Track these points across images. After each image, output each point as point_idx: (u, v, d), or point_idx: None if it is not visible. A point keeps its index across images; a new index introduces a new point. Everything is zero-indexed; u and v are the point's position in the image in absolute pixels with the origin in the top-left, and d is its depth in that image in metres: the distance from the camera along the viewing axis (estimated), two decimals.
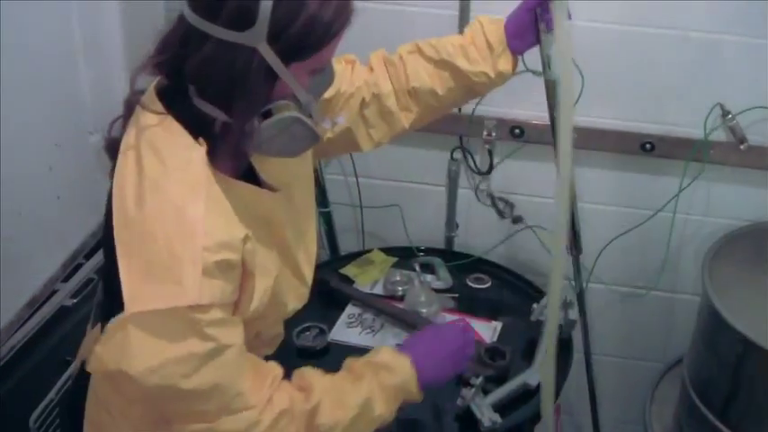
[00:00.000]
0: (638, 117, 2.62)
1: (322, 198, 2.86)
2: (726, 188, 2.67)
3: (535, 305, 2.45)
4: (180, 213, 1.42)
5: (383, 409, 1.73)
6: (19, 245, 2.15)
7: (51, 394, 2.15)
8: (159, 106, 1.52)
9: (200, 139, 1.48)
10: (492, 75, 1.97)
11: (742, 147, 2.54)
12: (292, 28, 1.42)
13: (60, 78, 2.26)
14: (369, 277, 2.70)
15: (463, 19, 2.58)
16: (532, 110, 2.66)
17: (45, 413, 2.20)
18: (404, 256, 2.83)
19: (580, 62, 2.53)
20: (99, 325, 1.73)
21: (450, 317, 2.51)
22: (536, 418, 2.21)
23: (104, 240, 1.59)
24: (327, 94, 1.81)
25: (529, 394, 2.23)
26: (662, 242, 2.74)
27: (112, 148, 1.55)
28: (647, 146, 2.61)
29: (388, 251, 2.84)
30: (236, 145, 1.51)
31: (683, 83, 2.55)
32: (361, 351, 2.32)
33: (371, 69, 2.02)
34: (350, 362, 1.80)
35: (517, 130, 2.68)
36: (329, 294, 2.59)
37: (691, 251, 2.77)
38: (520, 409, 2.21)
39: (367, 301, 2.56)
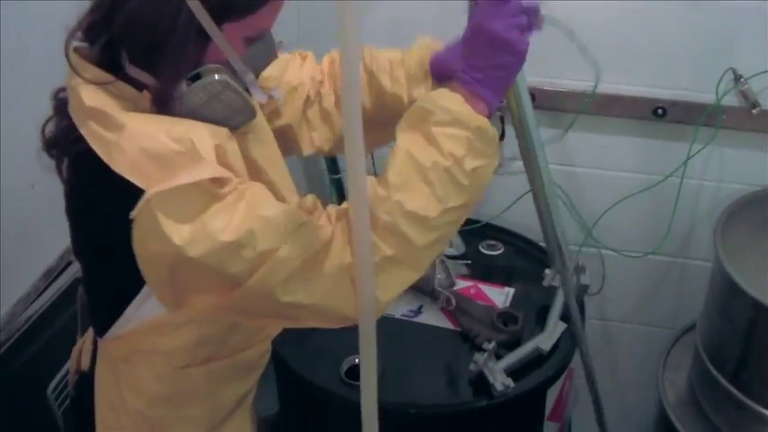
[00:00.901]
0: (651, 83, 2.61)
1: (333, 165, 2.86)
2: (738, 153, 2.66)
3: (547, 271, 2.46)
4: (161, 118, 1.41)
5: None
6: (34, 217, 2.17)
7: (68, 364, 2.18)
8: (103, 75, 1.45)
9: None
10: (405, 101, 1.85)
11: (754, 111, 2.53)
12: None
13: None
14: None
15: None
16: (544, 76, 2.66)
17: (62, 383, 2.22)
18: None
19: (594, 30, 2.54)
20: (91, 332, 1.74)
21: (463, 283, 2.52)
22: (548, 382, 2.24)
23: (78, 241, 1.58)
24: (270, 82, 1.78)
25: (541, 359, 2.26)
26: (674, 208, 2.74)
27: (52, 146, 1.51)
28: (659, 111, 2.61)
29: None
30: (165, 112, 1.43)
31: (694, 48, 2.54)
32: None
33: (322, 68, 1.94)
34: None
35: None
36: None
37: (704, 216, 2.76)
38: (532, 374, 2.23)
39: None
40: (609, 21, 2.55)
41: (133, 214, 1.31)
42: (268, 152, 1.65)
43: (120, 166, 1.34)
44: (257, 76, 1.54)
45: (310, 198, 1.48)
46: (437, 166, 1.42)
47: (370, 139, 1.47)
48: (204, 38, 1.40)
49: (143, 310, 1.53)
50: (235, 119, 1.48)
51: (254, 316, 1.48)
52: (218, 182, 1.34)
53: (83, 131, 1.41)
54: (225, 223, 1.32)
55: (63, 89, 1.52)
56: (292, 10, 2.70)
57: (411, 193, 1.41)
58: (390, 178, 1.43)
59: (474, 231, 2.79)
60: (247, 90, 1.49)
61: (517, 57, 1.54)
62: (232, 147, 1.42)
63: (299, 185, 2.98)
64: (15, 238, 2.15)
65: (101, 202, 1.43)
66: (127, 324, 1.56)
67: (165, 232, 1.30)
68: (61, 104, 1.52)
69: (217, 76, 1.42)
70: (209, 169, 1.33)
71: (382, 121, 1.81)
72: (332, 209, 1.47)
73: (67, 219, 1.57)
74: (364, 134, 1.33)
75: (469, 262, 2.63)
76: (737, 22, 2.47)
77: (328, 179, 2.89)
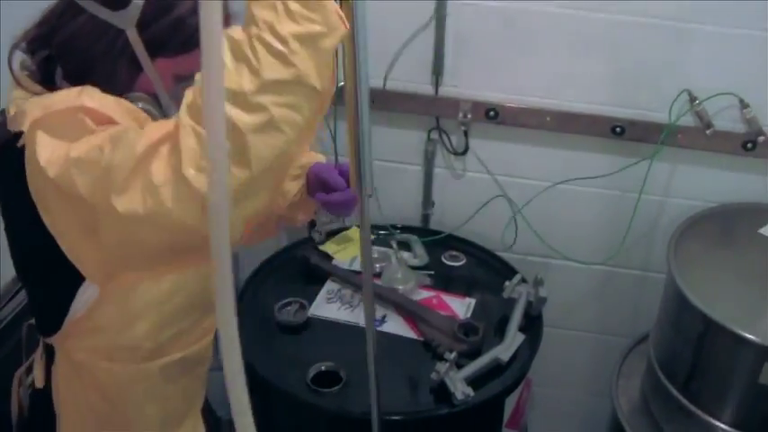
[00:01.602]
0: (609, 101, 2.70)
1: None
2: (693, 170, 2.76)
3: (507, 282, 2.55)
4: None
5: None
6: None
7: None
8: (37, 87, 1.53)
9: None
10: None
11: (708, 132, 2.63)
12: (161, 21, 1.48)
13: None
14: (347, 254, 2.78)
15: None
16: (507, 92, 2.74)
17: None
18: (380, 232, 2.91)
19: (554, 45, 2.63)
20: (41, 349, 1.78)
21: (426, 293, 2.60)
22: (507, 391, 2.31)
23: (15, 246, 1.63)
24: None
25: (500, 368, 2.33)
26: (630, 222, 2.83)
27: None
28: (618, 129, 2.69)
29: None
30: None
31: (652, 69, 2.63)
32: (340, 326, 2.42)
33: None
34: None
35: (492, 112, 2.75)
36: (309, 270, 2.67)
37: (660, 230, 2.86)
38: (491, 383, 2.30)
39: (346, 278, 2.64)
40: (568, 39, 2.64)
41: (21, 142, 1.41)
42: None
43: (30, 113, 1.42)
44: None
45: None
46: (250, 38, 1.25)
47: (252, 236, 1.62)
48: (136, 67, 1.51)
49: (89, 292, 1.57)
50: None
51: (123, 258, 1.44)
52: (97, 116, 1.40)
53: (10, 121, 1.48)
54: (82, 146, 1.35)
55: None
56: None
57: (226, 72, 1.23)
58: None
59: (437, 242, 2.87)
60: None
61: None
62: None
63: None
64: None
65: (23, 196, 1.47)
66: (79, 308, 1.59)
67: (37, 154, 1.37)
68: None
69: (140, 105, 1.51)
70: (87, 99, 1.41)
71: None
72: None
73: (5, 233, 1.63)
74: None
75: (432, 272, 2.70)
76: (694, 46, 2.56)
77: None
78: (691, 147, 2.69)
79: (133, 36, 1.47)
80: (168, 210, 1.25)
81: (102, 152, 1.31)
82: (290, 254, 2.81)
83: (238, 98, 1.22)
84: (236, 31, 1.26)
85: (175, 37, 1.50)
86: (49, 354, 1.73)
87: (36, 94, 1.52)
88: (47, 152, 1.37)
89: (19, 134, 1.44)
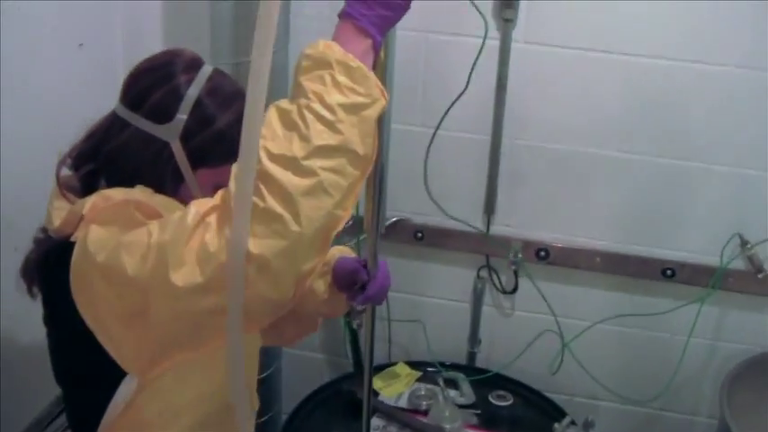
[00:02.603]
0: (660, 243, 2.71)
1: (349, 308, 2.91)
2: (744, 315, 2.74)
3: (557, 425, 2.51)
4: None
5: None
6: None
7: None
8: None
9: None
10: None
11: (760, 276, 2.62)
12: (204, 134, 1.54)
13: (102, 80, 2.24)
14: (394, 390, 2.75)
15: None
16: (558, 232, 2.76)
17: None
18: (428, 369, 2.89)
19: (605, 186, 2.65)
20: None
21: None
22: None
23: (56, 354, 1.64)
24: None
25: None
26: (678, 364, 2.79)
27: (28, 272, 1.63)
28: (668, 272, 2.69)
29: (412, 365, 2.90)
30: None
31: (704, 211, 2.65)
32: None
33: None
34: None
35: (542, 252, 2.76)
36: (355, 405, 2.64)
37: (707, 375, 2.82)
38: None
39: (392, 414, 2.61)
40: (625, 182, 2.67)
41: (75, 236, 1.46)
42: None
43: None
44: None
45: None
46: (300, 107, 1.33)
47: (291, 331, 1.95)
48: (179, 177, 1.57)
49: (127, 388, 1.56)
50: None
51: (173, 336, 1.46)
52: (147, 211, 1.45)
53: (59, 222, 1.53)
54: (131, 233, 1.41)
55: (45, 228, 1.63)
56: None
57: (277, 139, 1.31)
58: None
59: (484, 381, 2.84)
60: None
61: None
62: None
63: None
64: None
65: (63, 303, 1.49)
66: (119, 404, 1.57)
67: (87, 243, 1.42)
68: (43, 240, 1.63)
69: None
70: (139, 195, 1.48)
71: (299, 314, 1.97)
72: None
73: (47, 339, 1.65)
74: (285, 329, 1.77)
75: (479, 412, 2.67)
76: (747, 191, 2.59)
77: (343, 321, 2.94)
78: (742, 290, 2.68)
79: (177, 148, 1.54)
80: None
81: (151, 234, 1.37)
82: (334, 388, 2.79)
83: (290, 163, 1.28)
84: (284, 102, 1.34)
85: (217, 149, 1.56)
86: None
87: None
88: (97, 240, 1.43)
89: (66, 241, 1.49)
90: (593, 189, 2.70)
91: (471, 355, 3.00)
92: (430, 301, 2.96)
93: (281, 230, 1.29)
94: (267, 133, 1.31)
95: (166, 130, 1.54)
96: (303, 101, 1.32)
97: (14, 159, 2.06)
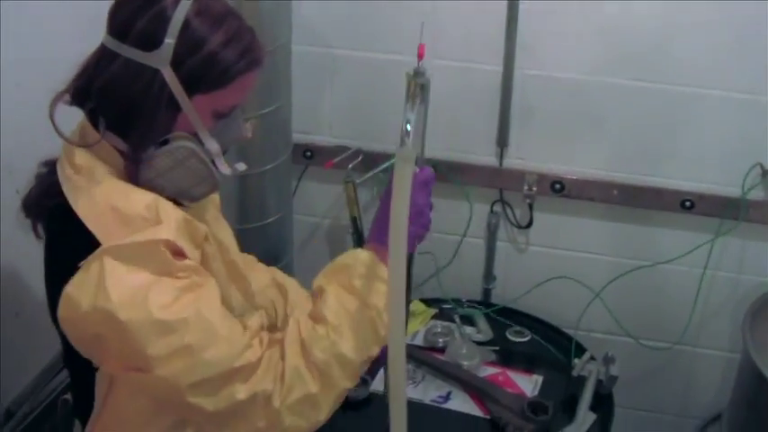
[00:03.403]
0: (678, 175, 2.65)
1: (361, 246, 2.86)
2: (762, 246, 2.69)
3: (577, 360, 2.48)
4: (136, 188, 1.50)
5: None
6: None
7: None
8: (95, 136, 1.53)
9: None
10: None
11: None
12: (194, 58, 1.47)
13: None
14: (410, 328, 2.71)
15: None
16: (573, 165, 2.70)
17: None
18: (443, 306, 2.85)
19: (621, 117, 2.59)
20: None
21: (491, 370, 2.53)
22: None
23: (50, 283, 1.58)
24: None
25: None
26: (696, 298, 2.76)
27: (29, 206, 1.59)
28: (687, 203, 2.64)
29: (428, 302, 2.86)
30: (135, 176, 1.51)
31: (723, 142, 2.58)
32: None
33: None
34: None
35: (557, 185, 2.70)
36: None
37: (728, 309, 2.78)
38: None
39: (408, 352, 2.57)
40: (639, 113, 2.60)
41: (83, 262, 1.39)
42: (230, 235, 1.81)
43: (84, 212, 1.44)
44: (224, 151, 1.59)
45: (257, 315, 1.60)
46: (364, 316, 1.53)
47: None
48: (175, 107, 1.50)
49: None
50: (198, 188, 1.56)
51: (154, 400, 1.52)
52: (174, 249, 1.42)
53: (62, 180, 1.50)
54: (166, 302, 1.39)
55: (49, 161, 1.60)
56: None
57: (343, 336, 1.50)
58: (329, 318, 1.53)
59: (500, 317, 2.80)
60: (213, 162, 1.56)
61: (426, 229, 1.70)
62: (199, 225, 1.51)
63: (325, 265, 3.03)
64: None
65: (67, 261, 1.45)
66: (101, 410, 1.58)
67: (106, 286, 1.36)
68: (45, 175, 1.59)
69: (182, 143, 1.51)
70: (166, 232, 1.41)
71: None
72: (265, 335, 1.53)
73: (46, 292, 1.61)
74: None
75: (497, 348, 2.63)
76: (766, 118, 2.51)
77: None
78: (763, 221, 2.62)
79: (169, 75, 1.46)
80: (235, 421, 1.48)
81: (188, 326, 1.40)
82: None
83: (348, 366, 1.53)
84: (349, 301, 1.55)
85: (210, 72, 1.49)
86: None
87: (88, 145, 1.53)
88: (120, 290, 1.38)
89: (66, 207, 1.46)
90: (608, 119, 2.63)
91: (486, 292, 2.96)
92: (443, 238, 2.91)
93: (311, 419, 1.54)
94: (336, 323, 1.52)
95: (155, 57, 1.46)
96: (366, 311, 1.55)
97: (13, 103, 2.01)
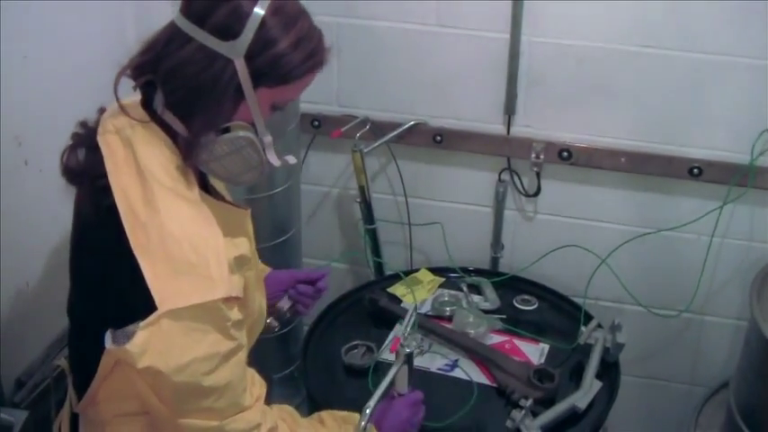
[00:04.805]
0: (687, 142, 2.63)
1: (368, 215, 2.88)
2: None
3: (583, 328, 2.48)
4: (195, 218, 1.53)
5: None
6: None
7: None
8: (142, 114, 1.61)
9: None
10: None
11: None
12: (266, 54, 1.52)
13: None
14: (417, 296, 2.72)
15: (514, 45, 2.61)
16: (580, 132, 2.69)
17: None
18: (450, 275, 2.86)
19: (629, 84, 2.57)
20: (68, 405, 1.83)
21: (498, 338, 2.53)
22: None
23: (87, 247, 1.65)
24: None
25: (576, 417, 2.25)
26: (703, 265, 2.75)
27: (77, 174, 1.62)
28: (695, 170, 2.63)
29: (435, 271, 2.86)
30: (190, 158, 1.58)
31: (732, 108, 2.56)
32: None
33: None
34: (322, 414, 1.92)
35: (565, 153, 2.70)
36: (378, 314, 2.61)
37: (738, 276, 2.78)
38: None
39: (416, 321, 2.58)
40: (647, 79, 2.58)
41: (143, 324, 1.45)
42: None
43: (137, 245, 1.48)
44: (274, 140, 1.66)
45: (259, 382, 1.72)
46: None
47: None
48: (239, 97, 1.56)
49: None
50: (247, 174, 1.64)
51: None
52: (230, 300, 1.52)
53: (117, 192, 1.53)
54: (210, 369, 1.52)
55: (85, 122, 1.66)
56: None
57: None
58: None
59: (507, 286, 2.80)
60: (264, 151, 1.63)
61: None
62: (245, 255, 1.64)
63: (333, 234, 3.04)
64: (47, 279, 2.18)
65: (104, 252, 1.56)
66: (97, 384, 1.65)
67: (163, 352, 1.47)
68: (88, 134, 1.64)
69: (242, 133, 1.58)
70: (222, 288, 1.49)
71: None
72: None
73: (70, 256, 1.69)
74: None
75: (504, 316, 2.63)
76: None
77: (362, 229, 2.91)
78: None
79: (241, 66, 1.52)
80: None
81: (222, 394, 1.55)
82: (356, 296, 2.76)
83: None
84: None
85: (277, 70, 1.55)
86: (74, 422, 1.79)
87: (138, 120, 1.58)
88: (176, 358, 1.47)
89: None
90: (616, 86, 2.62)
91: (494, 260, 2.97)
92: (451, 206, 2.92)
93: None
94: None
95: (231, 48, 1.51)
96: None
97: (20, 76, 2.00)
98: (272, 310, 2.09)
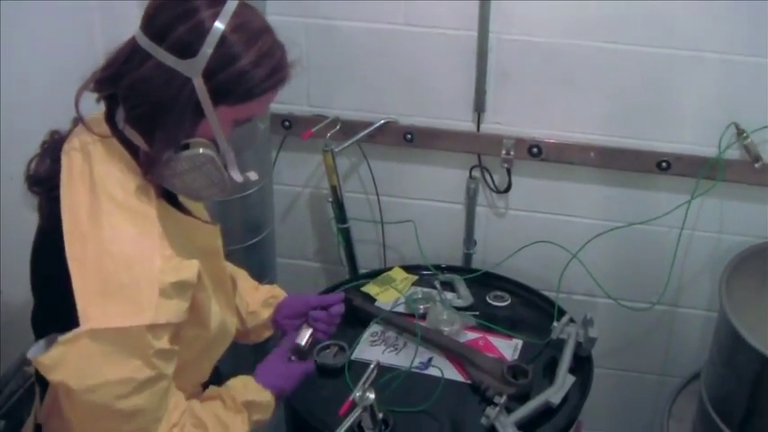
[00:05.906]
0: (655, 136, 2.65)
1: (341, 214, 2.89)
2: (742, 206, 2.70)
3: (556, 323, 2.49)
4: (137, 238, 1.52)
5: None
6: None
7: None
8: (105, 129, 1.61)
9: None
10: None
11: (756, 165, 2.57)
12: (227, 71, 1.52)
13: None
14: (390, 295, 2.73)
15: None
16: (550, 128, 2.71)
17: None
18: (423, 272, 2.87)
19: (597, 80, 2.59)
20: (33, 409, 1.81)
21: (471, 335, 2.55)
22: None
23: (41, 251, 1.66)
24: None
25: (551, 412, 2.27)
26: (674, 258, 2.78)
27: (36, 183, 1.62)
28: (663, 164, 2.65)
29: (408, 269, 2.87)
30: (151, 173, 1.58)
31: (699, 102, 2.58)
32: (384, 369, 2.36)
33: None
34: (225, 394, 1.84)
35: (535, 149, 2.71)
36: (352, 313, 2.61)
37: (707, 268, 2.81)
38: (542, 427, 2.24)
39: (390, 320, 2.59)
40: (614, 74, 2.60)
41: (62, 339, 1.46)
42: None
43: (73, 257, 1.49)
44: (237, 154, 1.66)
45: (182, 403, 1.67)
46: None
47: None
48: (199, 114, 1.55)
49: None
50: (209, 190, 1.64)
51: None
52: (157, 328, 1.50)
53: (64, 202, 1.54)
54: (125, 393, 1.50)
55: (56, 131, 1.67)
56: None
57: None
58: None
59: (481, 282, 2.81)
60: (226, 167, 1.62)
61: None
62: (189, 279, 1.58)
63: (306, 234, 3.04)
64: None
65: (52, 261, 1.53)
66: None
67: (77, 369, 1.46)
68: (54, 145, 1.64)
69: (202, 150, 1.57)
70: (149, 315, 1.48)
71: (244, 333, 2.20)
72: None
73: (30, 263, 1.68)
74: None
75: (477, 313, 2.64)
76: (740, 78, 2.52)
77: (335, 228, 2.92)
78: (739, 181, 2.63)
79: (199, 84, 1.51)
80: None
81: (133, 419, 1.53)
82: None
83: None
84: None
85: (238, 87, 1.54)
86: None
87: (101, 135, 1.59)
88: (90, 379, 1.47)
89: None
90: (584, 82, 2.63)
91: (467, 257, 2.98)
92: (423, 204, 2.93)
93: None
94: None
95: (189, 66, 1.50)
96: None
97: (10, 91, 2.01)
98: (293, 348, 2.07)
